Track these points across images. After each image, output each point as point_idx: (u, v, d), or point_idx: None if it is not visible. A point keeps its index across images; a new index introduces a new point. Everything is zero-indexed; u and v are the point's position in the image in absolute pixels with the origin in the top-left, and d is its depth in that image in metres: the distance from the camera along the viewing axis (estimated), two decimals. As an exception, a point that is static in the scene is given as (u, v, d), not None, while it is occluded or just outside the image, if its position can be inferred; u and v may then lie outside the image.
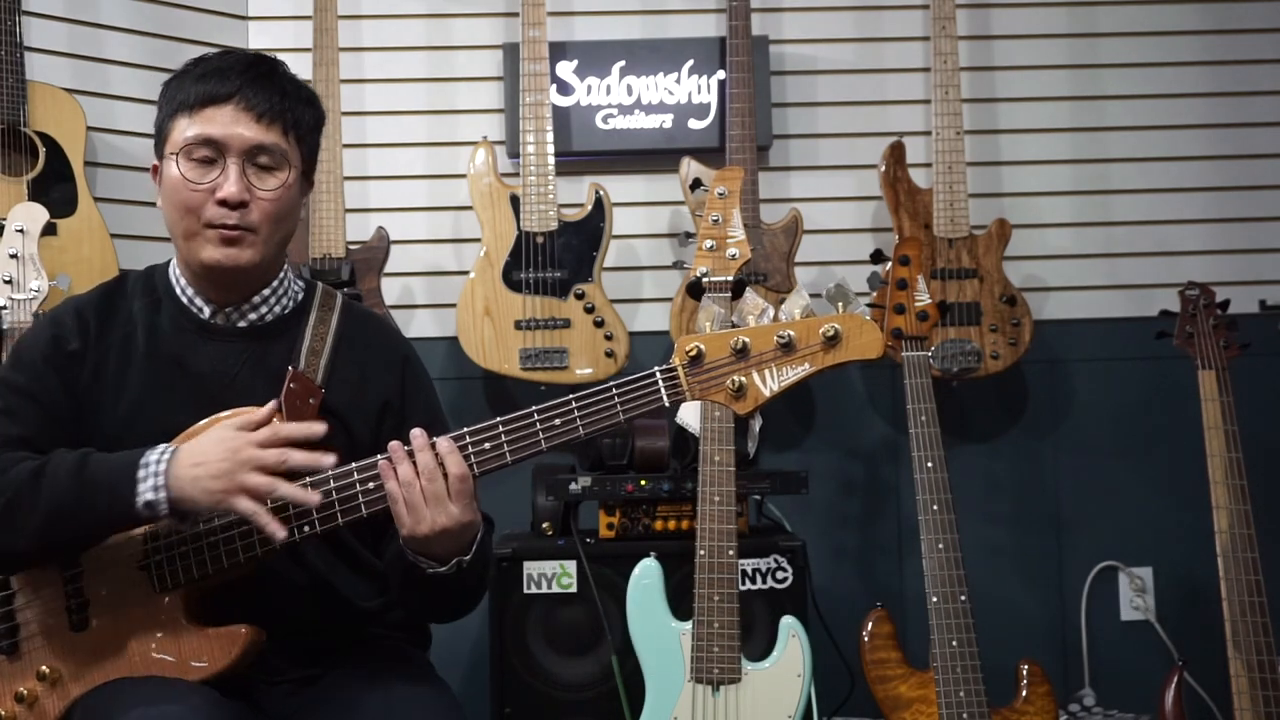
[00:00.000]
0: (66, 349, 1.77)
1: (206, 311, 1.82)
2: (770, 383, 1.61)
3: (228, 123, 1.72)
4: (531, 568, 2.60)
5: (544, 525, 2.73)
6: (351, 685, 1.72)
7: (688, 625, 2.43)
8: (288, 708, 1.75)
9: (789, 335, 1.60)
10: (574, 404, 1.63)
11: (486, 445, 1.63)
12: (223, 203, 1.72)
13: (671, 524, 2.67)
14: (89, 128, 3.00)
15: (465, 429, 1.65)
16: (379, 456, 1.64)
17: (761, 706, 2.41)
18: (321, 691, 1.75)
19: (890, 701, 2.46)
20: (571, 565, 2.60)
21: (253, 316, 1.83)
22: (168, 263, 1.87)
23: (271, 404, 1.68)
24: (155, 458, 1.61)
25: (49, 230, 2.72)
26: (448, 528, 1.61)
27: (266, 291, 1.83)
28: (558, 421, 1.63)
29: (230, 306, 1.82)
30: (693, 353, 1.62)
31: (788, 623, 2.47)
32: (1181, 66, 3.43)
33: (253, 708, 1.73)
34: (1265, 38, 3.44)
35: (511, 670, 2.58)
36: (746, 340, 1.61)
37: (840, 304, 1.63)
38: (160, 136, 1.78)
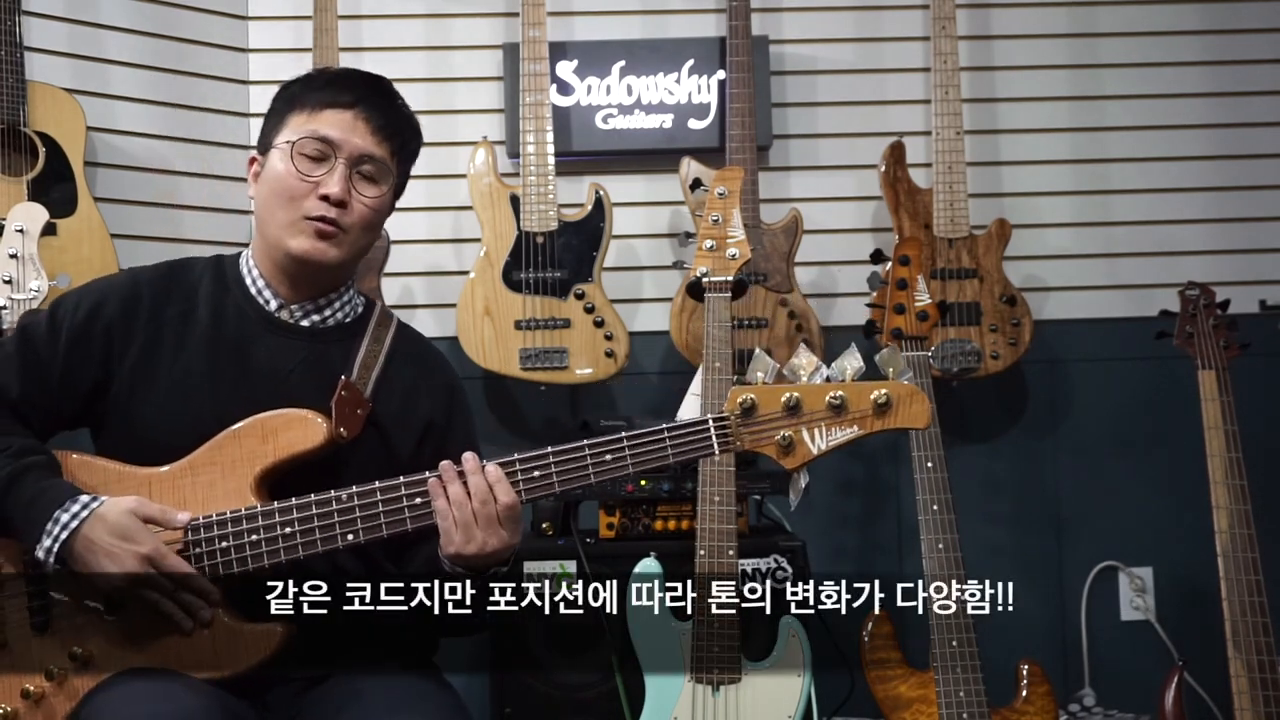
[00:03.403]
0: (100, 325, 1.80)
1: (273, 304, 1.86)
2: (819, 441, 1.64)
3: (345, 127, 1.81)
4: (531, 567, 2.60)
5: (544, 525, 2.73)
6: (357, 682, 1.75)
7: (687, 625, 2.43)
8: (294, 707, 1.76)
9: (841, 397, 1.62)
10: (625, 442, 1.66)
11: (536, 473, 1.68)
12: (324, 198, 1.78)
13: (671, 524, 2.67)
14: (89, 128, 2.99)
15: (515, 455, 1.69)
16: (428, 474, 1.68)
17: (761, 706, 2.41)
18: (327, 691, 1.77)
19: (890, 701, 2.46)
20: (571, 565, 2.60)
21: (315, 318, 1.88)
22: (237, 254, 1.92)
23: (184, 515, 1.70)
24: (66, 520, 1.66)
25: (49, 230, 2.71)
26: (497, 550, 1.67)
27: (333, 295, 1.88)
28: (608, 457, 1.67)
29: (296, 304, 1.86)
30: (745, 404, 1.64)
31: (787, 622, 2.47)
32: (1181, 66, 3.43)
33: (258, 705, 1.74)
34: (1265, 38, 3.44)
35: (511, 670, 2.58)
36: (799, 397, 1.63)
37: (890, 369, 1.63)
38: (270, 132, 1.85)
